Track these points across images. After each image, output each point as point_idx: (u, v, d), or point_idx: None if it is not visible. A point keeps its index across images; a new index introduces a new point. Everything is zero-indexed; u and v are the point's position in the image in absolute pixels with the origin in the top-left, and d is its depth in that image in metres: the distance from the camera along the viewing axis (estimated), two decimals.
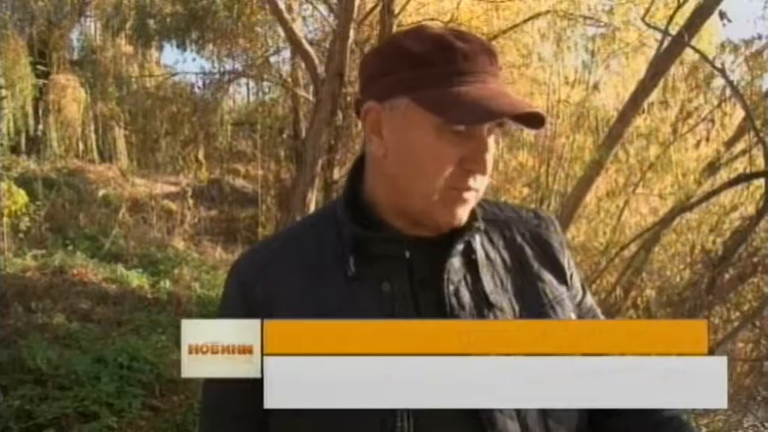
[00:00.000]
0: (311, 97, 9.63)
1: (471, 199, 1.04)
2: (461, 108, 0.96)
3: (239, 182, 13.23)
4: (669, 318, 4.73)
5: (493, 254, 1.11)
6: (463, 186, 1.02)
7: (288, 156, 12.23)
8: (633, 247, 4.92)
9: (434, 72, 0.98)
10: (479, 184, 1.04)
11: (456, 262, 1.06)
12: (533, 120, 1.00)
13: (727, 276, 4.82)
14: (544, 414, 1.03)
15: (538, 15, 7.96)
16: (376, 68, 1.04)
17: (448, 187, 1.01)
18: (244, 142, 13.55)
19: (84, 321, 6.31)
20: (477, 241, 1.09)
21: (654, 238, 4.94)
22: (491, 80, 1.00)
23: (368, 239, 1.05)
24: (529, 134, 5.35)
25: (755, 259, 4.82)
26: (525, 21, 8.07)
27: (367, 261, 1.04)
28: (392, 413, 0.97)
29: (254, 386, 1.03)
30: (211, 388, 1.14)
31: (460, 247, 1.06)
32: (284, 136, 12.41)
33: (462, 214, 1.04)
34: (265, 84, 12.90)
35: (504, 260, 1.12)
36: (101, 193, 10.73)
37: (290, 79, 11.83)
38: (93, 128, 11.86)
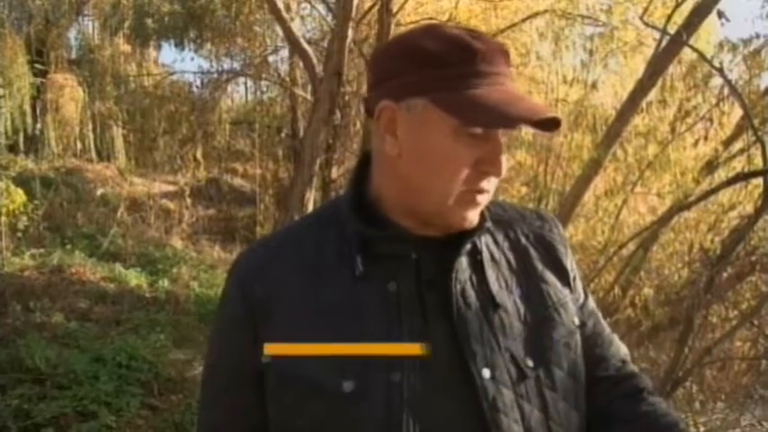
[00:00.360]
0: (309, 96, 9.63)
1: (483, 201, 1.04)
2: (482, 111, 0.95)
3: (237, 181, 13.23)
4: (667, 316, 4.74)
5: (498, 254, 1.11)
6: (477, 188, 1.02)
7: (286, 155, 12.23)
8: (631, 246, 4.92)
9: (453, 73, 0.98)
10: (492, 186, 1.04)
11: (464, 263, 1.06)
12: (549, 123, 1.00)
13: (725, 275, 4.82)
14: (547, 418, 1.03)
15: (536, 15, 7.95)
16: (391, 67, 1.03)
17: (463, 189, 1.01)
18: (242, 141, 13.55)
19: (82, 320, 6.30)
20: (483, 242, 1.09)
21: (652, 236, 4.95)
22: (507, 81, 1.00)
23: (374, 238, 1.05)
24: (527, 133, 5.34)
25: (753, 258, 4.83)
26: (523, 20, 8.06)
27: (373, 260, 1.04)
28: (398, 417, 0.97)
29: (256, 381, 1.04)
30: (211, 382, 1.14)
31: (468, 247, 1.06)
32: (282, 135, 12.40)
33: (474, 216, 1.04)
34: (263, 83, 12.89)
35: (508, 261, 1.12)
36: (99, 192, 10.73)
37: (288, 78, 11.82)
38: (90, 127, 11.84)
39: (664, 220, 4.89)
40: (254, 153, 12.28)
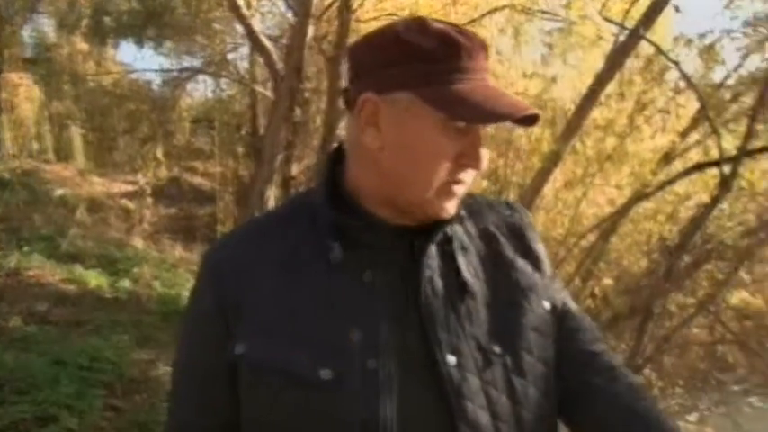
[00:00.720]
0: (269, 94, 9.58)
1: (461, 192, 1.05)
2: (469, 107, 0.96)
3: (198, 179, 13.10)
4: (627, 306, 4.81)
5: (467, 243, 1.12)
6: (457, 180, 1.02)
7: (246, 153, 12.16)
8: (591, 237, 4.99)
9: (439, 68, 0.98)
10: (470, 178, 1.05)
11: (434, 250, 1.06)
12: (529, 119, 1.01)
13: (682, 264, 4.91)
14: (515, 404, 1.04)
15: (496, 10, 7.98)
16: (374, 60, 1.03)
17: (443, 181, 1.01)
18: (202, 140, 13.43)
19: (41, 323, 6.16)
20: (454, 231, 1.10)
21: (611, 227, 5.02)
22: (487, 77, 1.02)
23: (350, 227, 1.05)
24: (488, 127, 5.40)
25: (710, 246, 4.93)
26: (483, 15, 8.09)
27: (348, 250, 1.04)
28: (374, 404, 0.97)
29: (228, 377, 1.04)
30: (181, 380, 1.14)
31: (439, 236, 1.07)
32: (242, 133, 12.33)
33: (452, 207, 1.05)
34: (224, 81, 12.80)
35: (478, 249, 1.13)
36: (57, 193, 10.53)
37: (248, 76, 11.75)
38: (48, 127, 11.64)
39: (622, 211, 4.96)
40: (214, 151, 12.18)
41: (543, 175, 4.65)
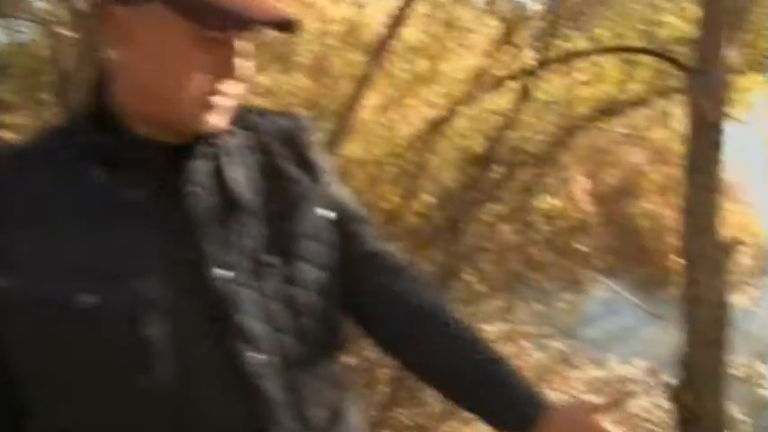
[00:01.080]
0: (73, 34, 8.95)
1: (225, 104, 1.03)
2: (219, 15, 0.94)
3: (3, 133, 12.10)
4: (445, 219, 5.04)
5: (238, 155, 1.10)
6: (216, 92, 1.00)
7: (53, 99, 11.34)
8: (409, 157, 5.15)
9: None
10: (234, 90, 1.02)
11: (202, 166, 1.04)
12: (288, 25, 1.00)
13: (494, 175, 5.20)
14: (296, 314, 1.05)
15: None
16: None
17: (202, 94, 0.99)
18: (2, 89, 12.37)
19: None
20: (223, 143, 1.08)
21: (427, 146, 5.20)
22: None
23: (114, 147, 1.01)
24: (300, 56, 5.39)
25: (517, 157, 5.25)
26: None
27: (113, 171, 1.00)
28: (143, 323, 0.95)
29: None
30: None
31: (207, 150, 1.05)
32: (46, 78, 11.46)
33: (218, 120, 1.03)
34: (22, 23, 11.78)
35: (252, 161, 1.11)
36: None
37: (48, 17, 10.88)
38: None
39: (435, 129, 5.15)
40: (16, 101, 11.26)
41: (357, 98, 4.69)
